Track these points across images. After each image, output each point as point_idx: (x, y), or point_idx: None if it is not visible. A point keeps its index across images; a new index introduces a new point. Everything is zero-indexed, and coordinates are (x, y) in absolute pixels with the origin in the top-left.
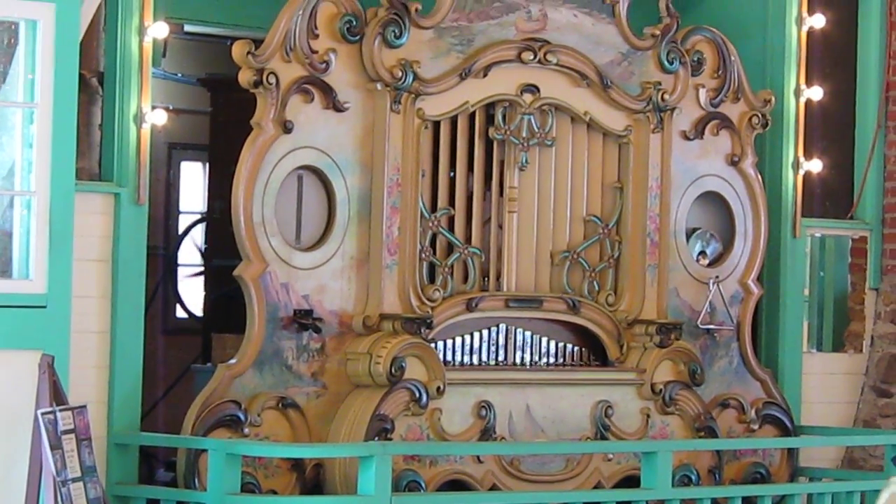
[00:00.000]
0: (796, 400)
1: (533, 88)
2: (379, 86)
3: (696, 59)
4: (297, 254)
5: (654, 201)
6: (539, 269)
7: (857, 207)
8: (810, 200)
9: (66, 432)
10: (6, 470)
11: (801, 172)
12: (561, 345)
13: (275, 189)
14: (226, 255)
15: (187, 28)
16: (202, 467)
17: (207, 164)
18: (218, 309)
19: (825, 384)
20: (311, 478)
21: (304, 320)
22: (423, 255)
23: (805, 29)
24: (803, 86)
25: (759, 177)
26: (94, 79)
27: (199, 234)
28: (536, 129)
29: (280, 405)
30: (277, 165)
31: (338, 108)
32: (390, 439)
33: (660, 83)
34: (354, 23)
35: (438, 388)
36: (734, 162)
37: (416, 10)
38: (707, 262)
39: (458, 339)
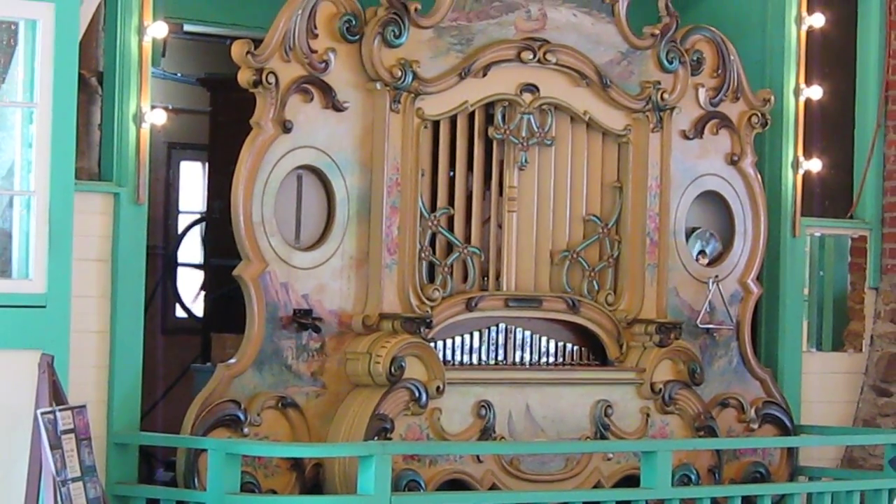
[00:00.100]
0: (796, 399)
1: (532, 88)
2: (378, 85)
3: (695, 58)
4: (297, 253)
5: (653, 201)
6: (538, 269)
7: (856, 207)
8: (810, 200)
9: (66, 432)
10: (6, 470)
11: (801, 172)
12: (560, 344)
13: (274, 189)
14: (225, 254)
15: (187, 28)
16: (202, 467)
17: (207, 164)
18: (217, 309)
19: (825, 383)
20: (311, 477)
21: (304, 320)
22: (423, 255)
23: (804, 28)
24: (803, 85)
25: (759, 176)
26: (94, 78)
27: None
28: (536, 129)
29: (280, 405)
30: (277, 165)
31: (337, 107)
32: (390, 439)
33: (659, 82)
34: (354, 22)
35: (438, 387)
36: (734, 161)
37: (416, 9)
38: (707, 261)
39: (458, 339)
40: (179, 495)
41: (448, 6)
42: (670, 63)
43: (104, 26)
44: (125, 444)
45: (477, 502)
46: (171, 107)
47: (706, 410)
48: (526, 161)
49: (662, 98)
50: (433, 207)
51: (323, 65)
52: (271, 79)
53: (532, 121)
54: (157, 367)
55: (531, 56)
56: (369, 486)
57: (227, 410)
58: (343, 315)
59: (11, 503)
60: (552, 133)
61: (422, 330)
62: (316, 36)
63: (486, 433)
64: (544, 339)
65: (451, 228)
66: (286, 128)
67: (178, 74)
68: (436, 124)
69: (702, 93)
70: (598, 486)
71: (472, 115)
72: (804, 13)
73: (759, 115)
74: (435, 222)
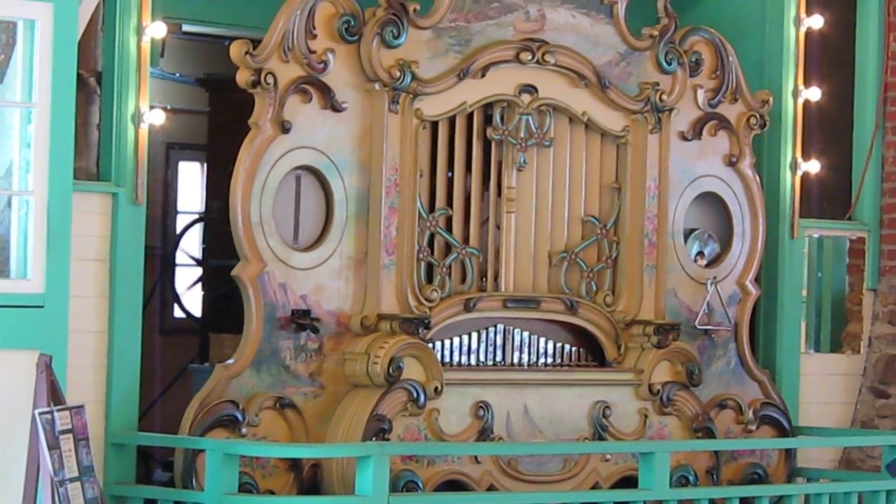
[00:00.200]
0: (794, 401)
1: (531, 89)
2: (377, 86)
3: (694, 59)
4: (295, 254)
5: (651, 202)
6: (537, 270)
7: (854, 208)
8: (808, 201)
9: (64, 432)
10: (3, 470)
11: (799, 173)
12: (559, 345)
13: (273, 189)
14: (223, 255)
15: (185, 28)
16: (200, 467)
17: (205, 164)
18: (216, 309)
19: (823, 385)
20: (309, 478)
21: (302, 320)
22: (421, 256)
23: (803, 29)
24: (801, 86)
25: (757, 177)
26: (93, 78)
27: (196, 239)
28: (534, 130)
29: (278, 405)
30: (275, 165)
31: (336, 108)
32: (388, 439)
33: (658, 84)
34: (353, 23)
35: (436, 388)
36: (732, 162)
37: (415, 10)
38: (705, 262)
39: (456, 340)
40: (177, 496)
41: (447, 7)
42: (669, 64)
43: (103, 26)
44: (123, 444)
45: (475, 503)
46: (169, 107)
47: (704, 411)
48: (524, 162)
49: (661, 99)
50: (432, 208)
51: (322, 65)
52: (270, 79)
53: (531, 122)
54: (155, 367)
55: (530, 57)
56: (367, 487)
57: (225, 411)
58: (341, 315)
59: (9, 503)
60: (551, 134)
61: (420, 331)
62: (315, 36)
63: (485, 434)
64: (542, 339)
65: (449, 229)
66: (285, 128)
67: (177, 75)
68: (434, 125)
69: (700, 94)
70: (595, 486)
71: (470, 116)
72: (803, 14)
73: (758, 116)
74: (433, 223)
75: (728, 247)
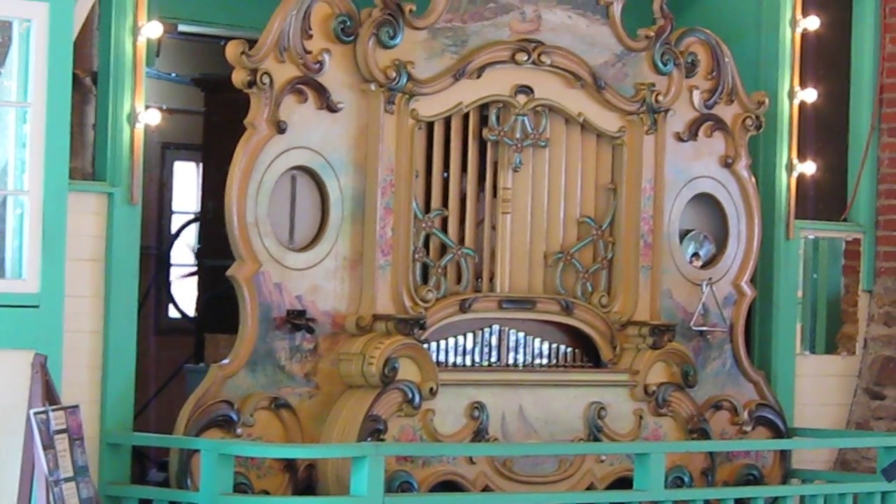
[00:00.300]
0: (789, 402)
1: (527, 89)
2: (373, 86)
3: (689, 60)
4: (291, 254)
5: (647, 203)
6: (532, 271)
7: (850, 209)
8: (804, 202)
9: (59, 432)
10: None
11: (795, 174)
12: (554, 346)
13: (268, 189)
14: (219, 255)
15: (181, 28)
16: (195, 467)
17: (201, 164)
18: (211, 309)
19: (818, 386)
20: (304, 478)
21: (298, 321)
22: (417, 256)
23: (799, 31)
24: (797, 88)
25: (753, 179)
26: (88, 78)
27: (192, 234)
28: (530, 130)
29: (273, 405)
30: (271, 166)
31: (332, 108)
32: (383, 440)
33: (654, 84)
34: (348, 23)
35: (431, 388)
36: (728, 164)
37: (411, 10)
38: (700, 263)
39: (452, 340)
40: (172, 496)
41: (443, 7)
42: (665, 65)
43: (98, 26)
44: (118, 444)
45: None
46: (165, 107)
47: (699, 413)
48: (520, 162)
49: (657, 100)
50: (427, 209)
51: (317, 65)
52: (266, 79)
53: (526, 122)
54: (150, 367)
55: (526, 57)
56: (362, 488)
57: (220, 411)
58: (336, 316)
59: (4, 503)
60: (546, 135)
61: (415, 331)
62: (310, 36)
63: (480, 434)
64: (538, 340)
65: (444, 230)
66: (280, 128)
67: (173, 74)
68: (430, 125)
69: (696, 95)
70: (590, 487)
71: (466, 117)
72: (799, 16)
73: (754, 117)
74: (429, 223)
75: (723, 248)
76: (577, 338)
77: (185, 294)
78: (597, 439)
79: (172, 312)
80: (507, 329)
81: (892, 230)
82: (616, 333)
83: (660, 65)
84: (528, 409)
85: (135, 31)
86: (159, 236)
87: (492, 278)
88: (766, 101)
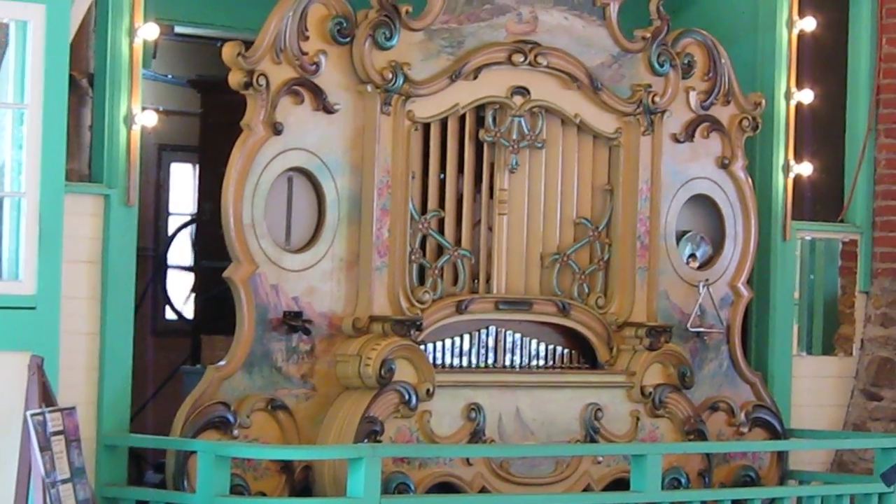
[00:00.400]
0: (786, 403)
1: (523, 90)
2: (369, 87)
3: (686, 61)
4: (287, 255)
5: (644, 204)
6: (529, 272)
7: (847, 210)
8: (800, 203)
9: (56, 434)
10: None
11: (792, 175)
12: (551, 347)
13: (265, 191)
14: (215, 256)
15: (178, 29)
16: (191, 469)
17: (197, 166)
18: (207, 310)
19: (815, 387)
20: (301, 480)
21: (294, 322)
22: (413, 257)
23: (796, 32)
24: (794, 89)
25: (750, 180)
26: (85, 80)
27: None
28: (527, 132)
29: (269, 407)
30: (267, 167)
31: (328, 109)
32: (380, 441)
33: (650, 86)
34: (345, 24)
35: (428, 390)
36: (724, 165)
37: (407, 12)
38: (697, 264)
39: (448, 342)
40: (169, 497)
41: (439, 9)
42: (661, 66)
43: (95, 28)
44: (115, 445)
45: None
46: (161, 108)
47: (696, 414)
48: (517, 164)
49: (653, 101)
50: (423, 210)
51: (314, 67)
52: (262, 81)
53: (523, 123)
54: (147, 369)
55: (522, 59)
56: (359, 489)
57: (216, 412)
58: (333, 317)
59: None
60: (543, 136)
61: (412, 332)
62: (307, 38)
63: (476, 436)
64: (534, 341)
65: (441, 231)
66: (277, 130)
67: (169, 76)
68: (426, 126)
69: (692, 96)
70: (587, 489)
71: (462, 118)
72: (795, 17)
73: (750, 118)
74: (425, 225)
75: (720, 249)
76: (573, 339)
77: (181, 295)
78: (593, 441)
79: (169, 314)
80: (503, 330)
81: (888, 231)
82: (613, 335)
83: (656, 66)
84: (524, 410)
85: (131, 32)
86: (156, 238)
87: (488, 279)
88: (763, 102)
